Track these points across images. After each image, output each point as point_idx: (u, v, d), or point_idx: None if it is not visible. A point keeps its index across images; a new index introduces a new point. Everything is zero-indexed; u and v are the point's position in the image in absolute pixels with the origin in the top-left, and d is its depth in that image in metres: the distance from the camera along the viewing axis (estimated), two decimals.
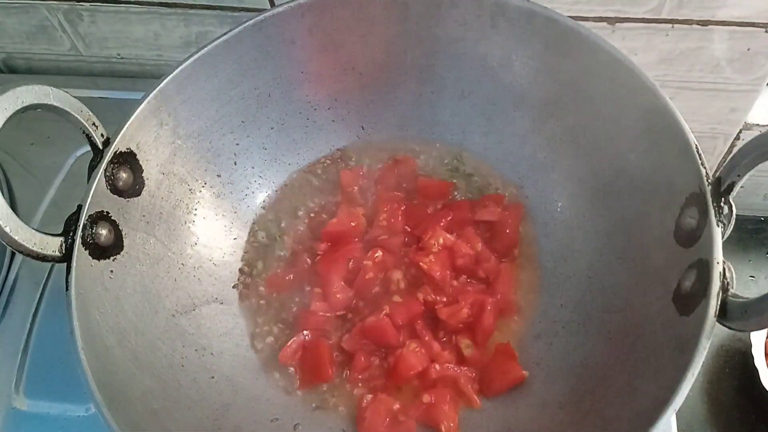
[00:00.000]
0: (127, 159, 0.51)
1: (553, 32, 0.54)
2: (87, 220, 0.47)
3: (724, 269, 0.41)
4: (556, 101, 0.58)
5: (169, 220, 0.57)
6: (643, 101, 0.50)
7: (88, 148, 0.49)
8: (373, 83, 0.64)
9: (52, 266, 0.67)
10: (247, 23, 0.56)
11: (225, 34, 0.55)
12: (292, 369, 0.57)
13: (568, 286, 0.57)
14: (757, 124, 0.71)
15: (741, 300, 0.40)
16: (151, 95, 0.53)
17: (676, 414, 0.40)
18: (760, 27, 0.60)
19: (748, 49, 0.62)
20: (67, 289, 0.45)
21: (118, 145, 0.50)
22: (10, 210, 0.42)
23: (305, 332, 0.57)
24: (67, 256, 0.46)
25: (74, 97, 0.47)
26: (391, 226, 0.61)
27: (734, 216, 0.43)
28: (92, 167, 0.49)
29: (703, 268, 0.42)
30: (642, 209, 0.51)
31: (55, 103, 0.46)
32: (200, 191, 0.60)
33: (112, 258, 0.50)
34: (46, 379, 0.61)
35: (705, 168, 0.44)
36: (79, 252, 0.46)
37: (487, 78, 0.61)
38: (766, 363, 0.63)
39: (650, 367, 0.44)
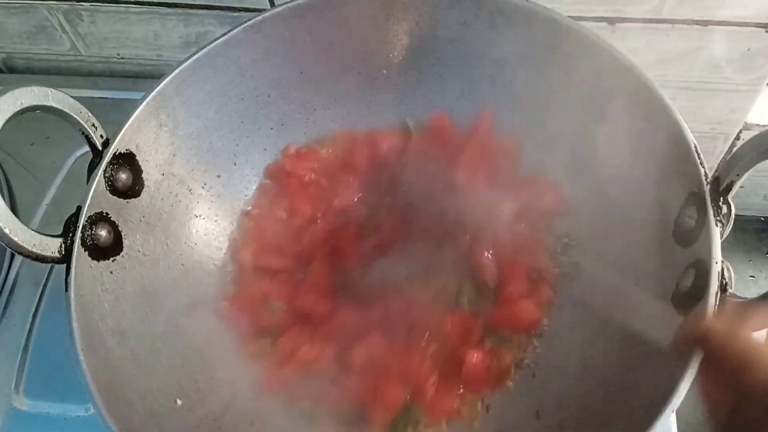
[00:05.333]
0: (127, 160, 0.51)
1: (553, 32, 0.54)
2: (86, 221, 0.48)
3: (722, 269, 0.41)
4: (556, 101, 0.58)
5: (169, 221, 0.57)
6: (642, 101, 0.50)
7: (88, 148, 0.50)
8: (373, 83, 0.64)
9: (52, 267, 0.67)
10: (247, 23, 0.56)
11: (225, 34, 0.56)
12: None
13: (567, 286, 0.57)
14: (757, 124, 0.71)
15: (740, 300, 0.40)
16: (151, 96, 0.53)
17: (676, 414, 0.40)
18: (760, 27, 0.60)
19: (748, 49, 0.62)
20: (66, 290, 0.45)
21: (118, 146, 0.50)
22: (9, 211, 0.42)
23: None
24: (66, 257, 0.46)
25: (74, 97, 0.47)
26: None
27: (733, 215, 0.43)
28: (92, 168, 0.49)
29: (702, 267, 0.42)
30: (641, 209, 0.51)
31: (54, 105, 0.46)
32: (200, 192, 0.60)
33: (111, 259, 0.50)
34: (46, 379, 0.61)
35: (704, 167, 0.44)
36: (79, 253, 0.46)
37: (487, 78, 0.61)
38: None
39: (649, 366, 0.44)
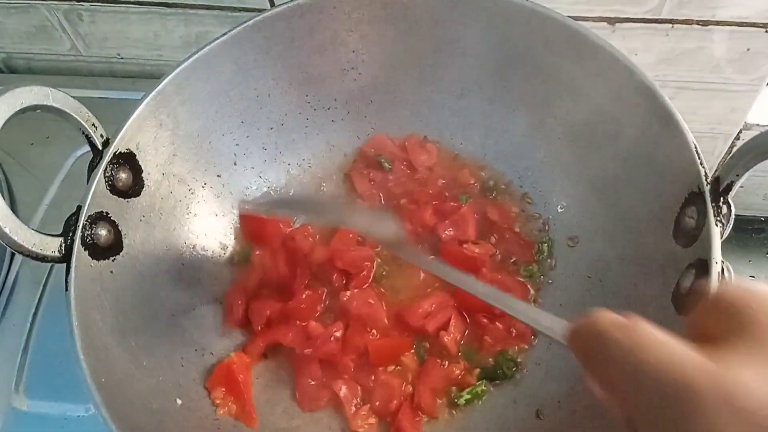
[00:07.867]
0: (127, 159, 0.51)
1: (553, 32, 0.54)
2: (86, 220, 0.48)
3: (722, 269, 0.41)
4: (556, 101, 0.58)
5: (169, 221, 0.57)
6: (642, 101, 0.50)
7: (88, 148, 0.49)
8: (373, 83, 0.64)
9: (52, 266, 0.66)
10: (247, 23, 0.56)
11: (225, 34, 0.56)
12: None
13: (568, 286, 0.57)
14: (757, 124, 0.71)
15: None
16: (151, 96, 0.53)
17: None
18: (760, 27, 0.60)
19: (748, 49, 0.62)
20: (66, 290, 0.45)
21: (118, 145, 0.50)
22: (9, 210, 0.42)
23: None
24: (66, 257, 0.46)
25: (74, 97, 0.47)
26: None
27: (733, 215, 0.43)
28: (92, 168, 0.49)
29: (702, 267, 0.42)
30: (641, 209, 0.51)
31: (54, 104, 0.46)
32: (200, 191, 0.60)
33: (111, 258, 0.50)
34: (46, 379, 0.61)
35: (704, 167, 0.44)
36: (79, 252, 0.46)
37: (487, 78, 0.61)
38: None
39: None
